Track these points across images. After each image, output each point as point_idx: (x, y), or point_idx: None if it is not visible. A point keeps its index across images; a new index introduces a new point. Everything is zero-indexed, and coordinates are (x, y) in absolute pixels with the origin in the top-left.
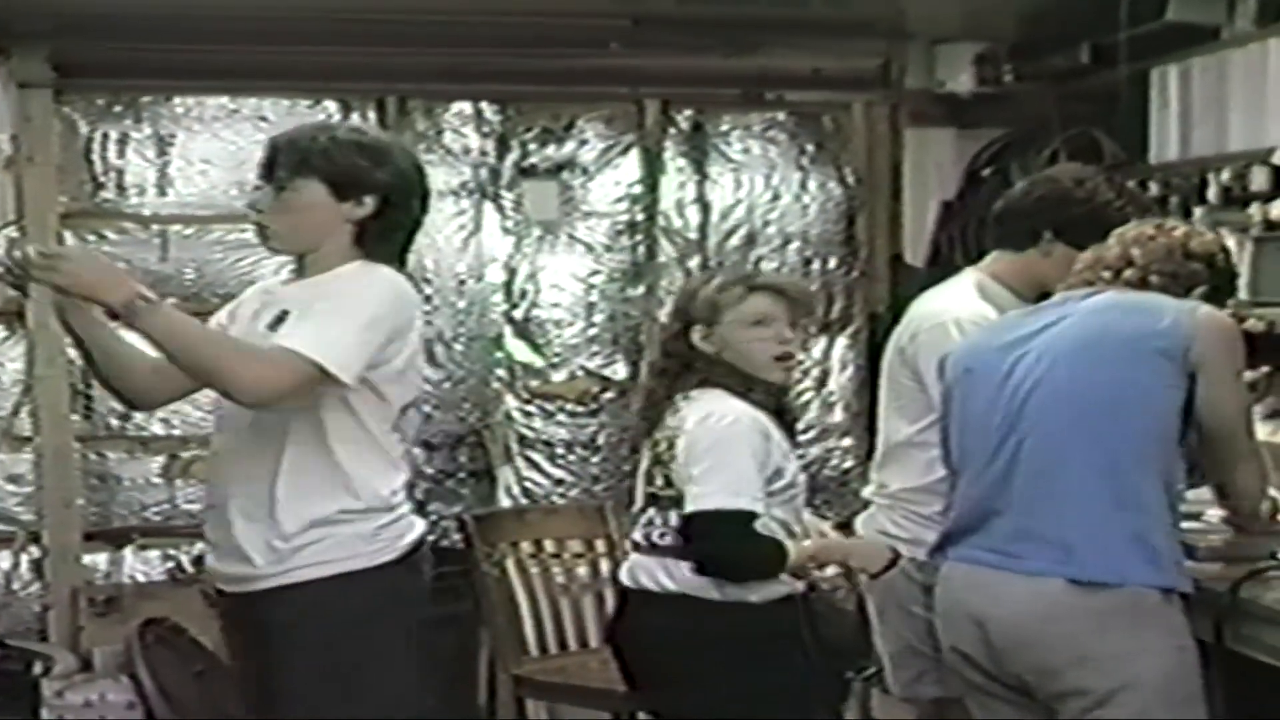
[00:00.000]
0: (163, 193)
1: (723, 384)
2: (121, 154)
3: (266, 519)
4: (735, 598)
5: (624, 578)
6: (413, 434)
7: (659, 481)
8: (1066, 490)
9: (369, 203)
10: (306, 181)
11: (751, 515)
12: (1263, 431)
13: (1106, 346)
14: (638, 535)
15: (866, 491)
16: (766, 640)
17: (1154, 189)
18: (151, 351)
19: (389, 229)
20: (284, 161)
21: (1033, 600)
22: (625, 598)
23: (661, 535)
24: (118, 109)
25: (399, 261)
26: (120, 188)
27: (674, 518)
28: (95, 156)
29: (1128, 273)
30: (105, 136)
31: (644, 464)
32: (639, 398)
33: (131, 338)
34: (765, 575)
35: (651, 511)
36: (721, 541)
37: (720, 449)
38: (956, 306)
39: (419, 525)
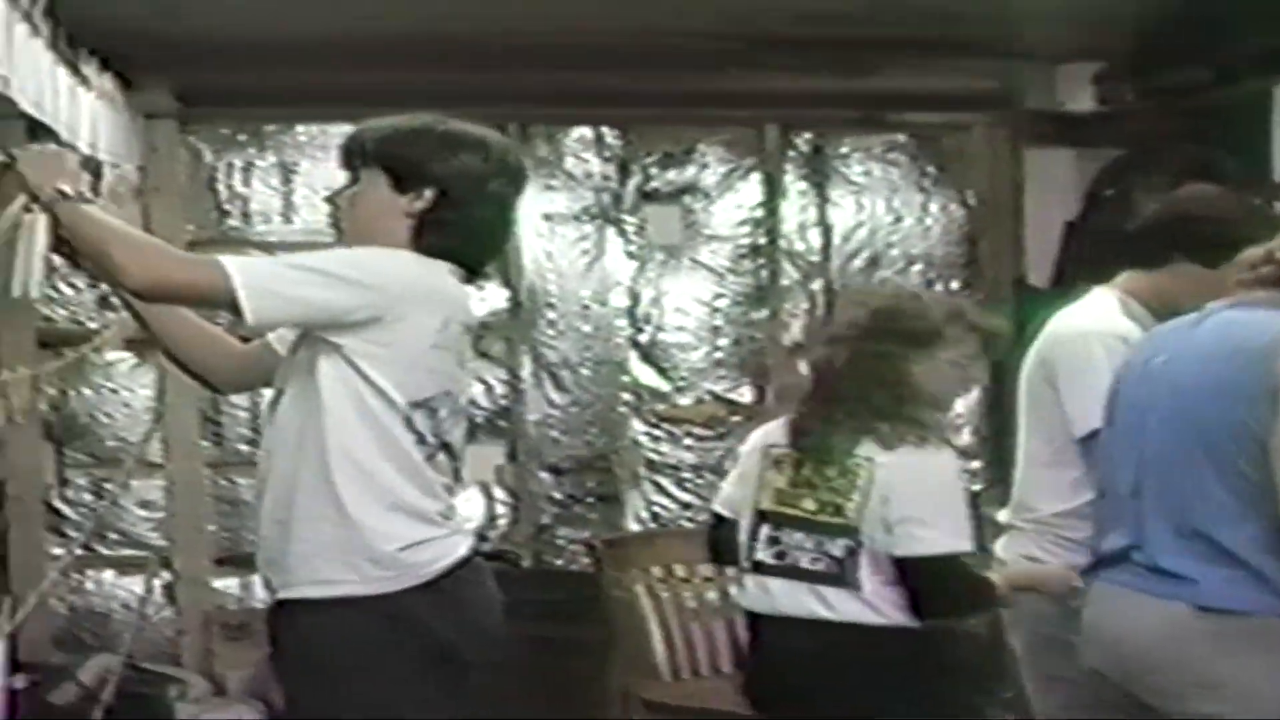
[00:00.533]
0: (287, 220)
1: (919, 418)
2: (246, 182)
3: (282, 529)
4: (899, 623)
5: (756, 604)
6: (439, 438)
7: (811, 505)
8: (1194, 515)
9: (427, 195)
10: (370, 172)
11: (969, 554)
12: None
13: (1230, 368)
14: (767, 557)
15: (1003, 515)
16: (930, 667)
17: (1278, 207)
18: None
19: (446, 225)
20: (354, 152)
21: (1162, 624)
22: (760, 623)
23: (815, 560)
24: (242, 138)
25: (465, 265)
26: (245, 215)
27: (839, 546)
28: (220, 185)
29: (1265, 270)
30: (230, 165)
31: (777, 482)
32: (797, 413)
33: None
34: (981, 612)
35: (799, 535)
36: (952, 585)
37: (945, 489)
38: (1099, 321)
39: (460, 547)
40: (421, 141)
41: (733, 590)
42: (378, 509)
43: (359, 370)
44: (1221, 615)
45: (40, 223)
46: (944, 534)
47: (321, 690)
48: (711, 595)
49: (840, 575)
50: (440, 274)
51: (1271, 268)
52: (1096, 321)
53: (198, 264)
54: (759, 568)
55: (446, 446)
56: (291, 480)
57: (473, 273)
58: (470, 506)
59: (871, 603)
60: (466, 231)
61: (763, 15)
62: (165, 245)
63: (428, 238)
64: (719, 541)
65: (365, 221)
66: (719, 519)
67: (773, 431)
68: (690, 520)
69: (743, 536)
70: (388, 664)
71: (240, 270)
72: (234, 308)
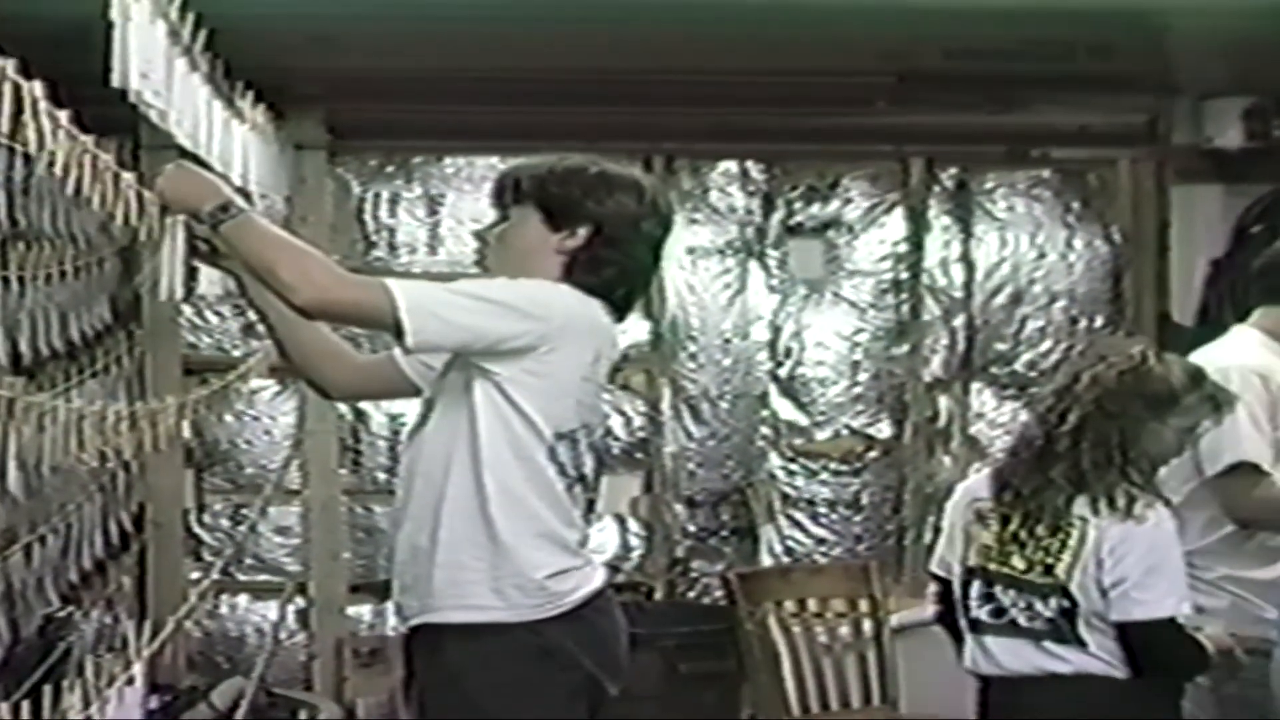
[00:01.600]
0: (433, 251)
1: (1137, 481)
2: (393, 213)
3: (425, 554)
4: (1126, 675)
5: (978, 665)
6: (579, 470)
7: (1020, 563)
8: None
9: (581, 234)
10: (523, 209)
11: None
12: None
13: None
14: (983, 615)
15: None
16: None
17: None
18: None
19: (599, 263)
20: (507, 189)
21: None
22: (988, 685)
23: (1030, 619)
24: (389, 169)
25: (613, 303)
26: (392, 246)
27: (1050, 606)
28: (367, 216)
29: None
30: (377, 196)
31: (983, 538)
32: (1005, 466)
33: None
34: (1196, 674)
35: (1012, 593)
36: (1168, 648)
37: (1164, 551)
38: (1236, 358)
39: (596, 577)
40: (578, 180)
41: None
42: (527, 537)
43: (509, 398)
44: None
45: (179, 228)
46: (1161, 596)
47: (461, 713)
48: (844, 630)
49: (1059, 633)
50: (595, 309)
51: None
52: (1231, 357)
53: (363, 284)
54: (976, 627)
55: (583, 478)
56: (437, 505)
57: (620, 310)
58: (604, 537)
59: (1100, 657)
60: (618, 270)
61: (912, 51)
62: (331, 263)
63: (580, 274)
64: (946, 605)
65: (517, 257)
66: (939, 581)
67: (976, 485)
68: (824, 555)
69: (958, 596)
70: (534, 691)
71: (404, 292)
72: (396, 329)
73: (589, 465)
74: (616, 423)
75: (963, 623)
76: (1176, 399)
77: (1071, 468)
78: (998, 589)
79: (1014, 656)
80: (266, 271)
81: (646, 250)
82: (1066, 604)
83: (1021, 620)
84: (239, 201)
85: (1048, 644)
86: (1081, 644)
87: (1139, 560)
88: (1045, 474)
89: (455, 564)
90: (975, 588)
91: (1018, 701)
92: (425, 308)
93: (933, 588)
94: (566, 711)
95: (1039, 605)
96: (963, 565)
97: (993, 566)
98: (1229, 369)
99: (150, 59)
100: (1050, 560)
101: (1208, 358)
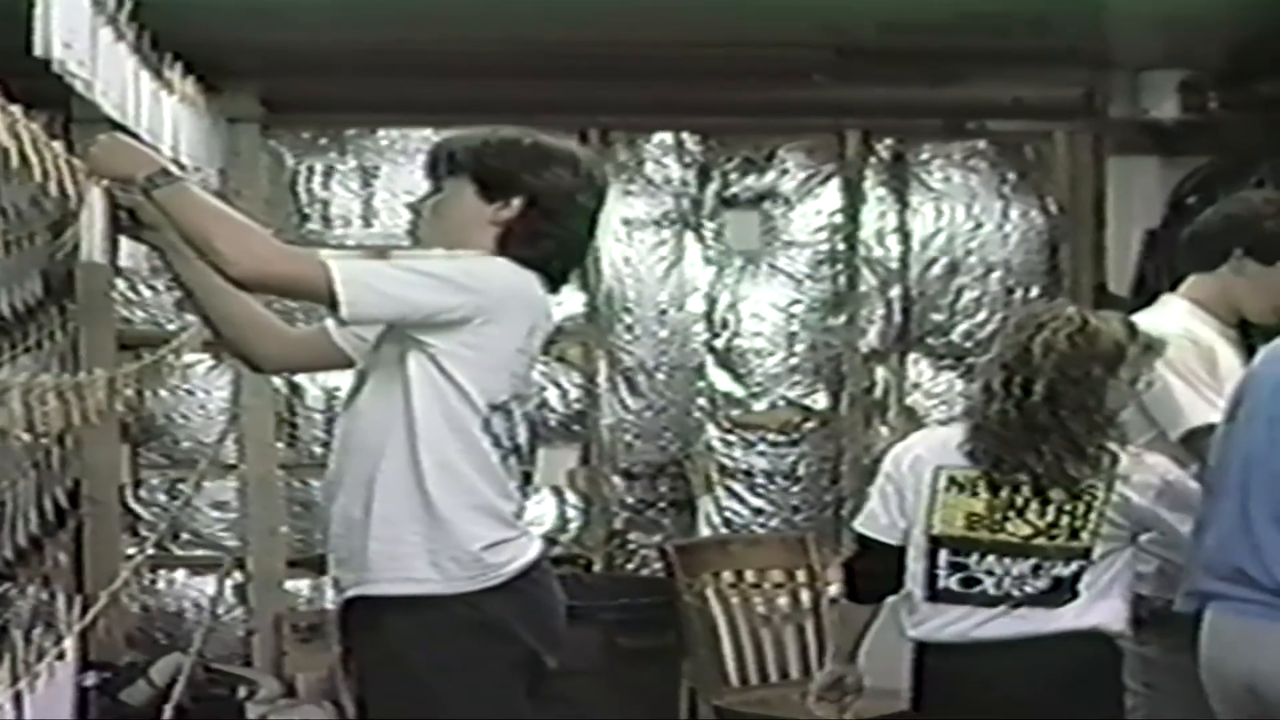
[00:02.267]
0: (368, 224)
1: (1113, 437)
2: (327, 186)
3: (359, 526)
4: (1113, 630)
5: (936, 634)
6: (513, 441)
7: (1025, 529)
8: None
9: (515, 205)
10: (458, 181)
11: None
12: None
13: None
14: (952, 584)
15: None
16: (1117, 679)
17: None
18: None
19: (534, 235)
20: (441, 161)
21: None
22: (940, 652)
23: (1024, 585)
24: (323, 143)
25: (549, 275)
26: (326, 219)
27: (1070, 567)
28: (301, 189)
29: None
30: (311, 170)
31: (968, 506)
32: (979, 435)
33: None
34: None
35: (1006, 561)
36: None
37: (1178, 505)
38: (1164, 326)
39: (532, 549)
40: (513, 152)
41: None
42: (463, 509)
43: (444, 370)
44: None
45: (98, 194)
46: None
47: (401, 688)
48: (782, 601)
49: (1055, 594)
50: (531, 282)
51: None
52: (1161, 324)
53: (299, 257)
54: (940, 596)
55: (517, 450)
56: (371, 477)
57: (555, 282)
58: (542, 510)
59: (1078, 610)
60: (554, 242)
61: (848, 25)
62: (267, 235)
63: (515, 247)
64: (869, 573)
65: (451, 229)
66: (865, 545)
67: (933, 451)
68: (762, 526)
69: (913, 565)
70: (471, 664)
71: (340, 266)
72: (332, 301)
73: (523, 436)
74: (553, 395)
75: (918, 591)
76: (1124, 352)
77: (1054, 435)
78: (975, 558)
79: (982, 624)
80: (203, 242)
81: (582, 222)
82: (1084, 564)
83: (1006, 588)
84: (174, 170)
85: (1025, 609)
86: (1075, 598)
87: (1163, 513)
88: (1036, 441)
89: (391, 536)
90: (943, 557)
91: (975, 670)
92: (361, 280)
93: (850, 549)
94: (504, 684)
95: (1052, 569)
96: (926, 534)
97: (982, 535)
98: (1159, 337)
99: (74, 28)
100: (1078, 523)
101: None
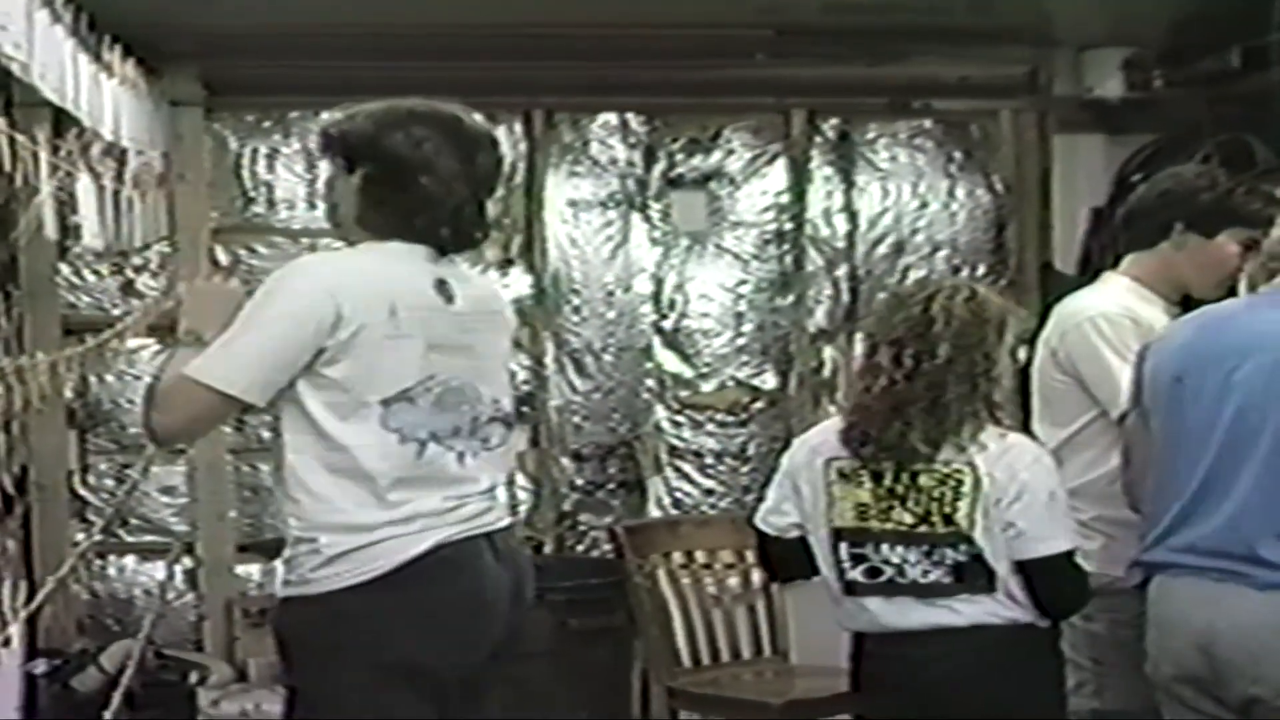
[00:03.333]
0: (312, 206)
1: (999, 412)
2: (271, 169)
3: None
4: (1029, 620)
5: (858, 624)
6: (431, 430)
7: (908, 518)
8: None
9: (360, 173)
10: (332, 160)
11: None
12: None
13: None
14: (858, 576)
15: None
16: (1054, 659)
17: None
18: None
19: (381, 201)
20: (319, 145)
21: (1263, 613)
22: (870, 641)
23: (926, 572)
24: (267, 125)
25: (425, 243)
26: (270, 202)
27: (960, 553)
28: (245, 172)
29: None
30: (255, 152)
31: (856, 496)
32: (859, 421)
33: None
34: (1083, 606)
35: (899, 549)
36: (1074, 584)
37: (1056, 485)
38: (1104, 304)
39: (422, 542)
40: (357, 120)
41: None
42: (329, 510)
43: (326, 377)
44: None
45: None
46: (1061, 530)
47: (296, 683)
48: (733, 582)
49: (965, 583)
50: (383, 260)
51: None
52: (1100, 303)
53: (183, 402)
54: (852, 588)
55: (435, 435)
56: (280, 474)
57: (442, 248)
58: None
59: (1003, 602)
60: (408, 206)
61: (790, 4)
62: (174, 401)
63: (372, 216)
64: (779, 560)
65: (337, 209)
66: (766, 538)
67: (825, 443)
68: (712, 506)
69: (823, 560)
70: (336, 660)
71: (208, 370)
72: (233, 401)
73: (454, 420)
74: None
75: (835, 585)
76: (1007, 318)
77: (931, 409)
78: (870, 547)
79: (898, 614)
80: (149, 396)
81: (441, 183)
82: (974, 550)
83: (912, 576)
84: (205, 337)
85: (939, 599)
86: (990, 589)
87: (1033, 496)
88: (905, 422)
89: (291, 536)
90: (844, 549)
91: (905, 656)
92: (238, 369)
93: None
94: (373, 686)
95: (942, 555)
96: (829, 527)
97: (873, 525)
98: (1097, 316)
99: (9, 11)
100: (948, 509)
101: (1077, 304)
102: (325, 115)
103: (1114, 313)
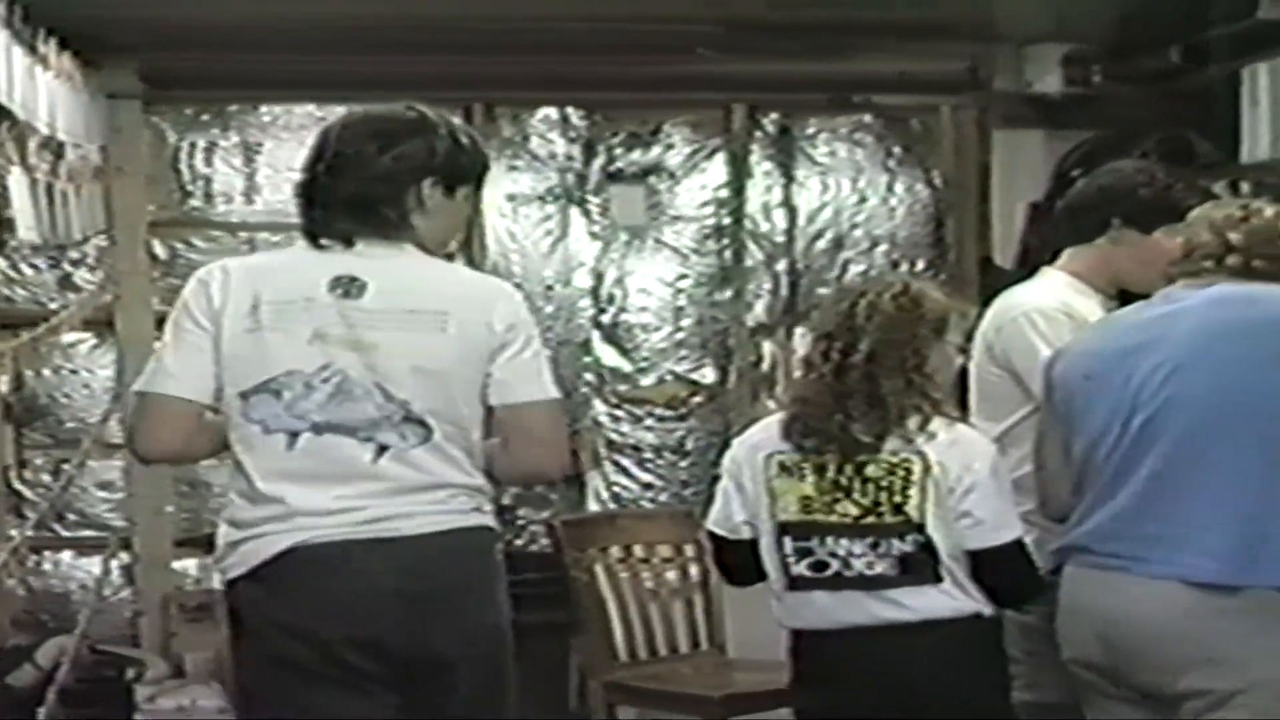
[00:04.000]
0: (250, 200)
1: (940, 404)
2: (209, 163)
3: None
4: (977, 611)
5: (802, 621)
6: (305, 420)
7: (854, 509)
8: (1199, 495)
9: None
10: None
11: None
12: None
13: (1228, 345)
14: (803, 570)
15: None
16: (999, 650)
17: (1245, 188)
18: None
19: (306, 205)
20: None
21: (1162, 602)
22: (812, 638)
23: (872, 565)
24: (205, 118)
25: (325, 232)
26: (208, 196)
27: (907, 543)
28: (183, 165)
29: (1230, 259)
30: (193, 146)
31: (799, 490)
32: (801, 414)
33: None
34: (1037, 596)
35: (844, 542)
36: (1024, 570)
37: (997, 472)
38: (1040, 298)
39: (275, 544)
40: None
41: (773, 606)
42: (234, 495)
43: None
44: (1225, 591)
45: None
46: (1011, 519)
47: None
48: (671, 576)
49: (911, 574)
50: (285, 255)
51: (1235, 257)
52: (1036, 297)
53: (142, 415)
54: (797, 583)
55: (316, 426)
56: None
57: (331, 234)
58: None
59: (949, 592)
60: (305, 200)
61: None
62: (137, 418)
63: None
64: (736, 565)
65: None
66: (721, 542)
67: (766, 438)
68: (651, 501)
69: (768, 555)
70: (237, 653)
71: (151, 382)
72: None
73: (352, 414)
74: None
75: (779, 581)
76: (948, 316)
77: (870, 402)
78: (816, 541)
79: (847, 607)
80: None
81: (341, 171)
82: (922, 540)
83: (858, 568)
84: None
85: (885, 591)
86: (938, 579)
87: (986, 485)
88: (846, 414)
89: None
90: (789, 544)
91: (852, 651)
92: (174, 373)
93: (710, 545)
94: (262, 672)
95: (890, 547)
96: (773, 521)
97: (818, 518)
98: (1033, 310)
99: None
100: (898, 499)
101: (1011, 301)
102: (316, 108)
103: (1050, 308)
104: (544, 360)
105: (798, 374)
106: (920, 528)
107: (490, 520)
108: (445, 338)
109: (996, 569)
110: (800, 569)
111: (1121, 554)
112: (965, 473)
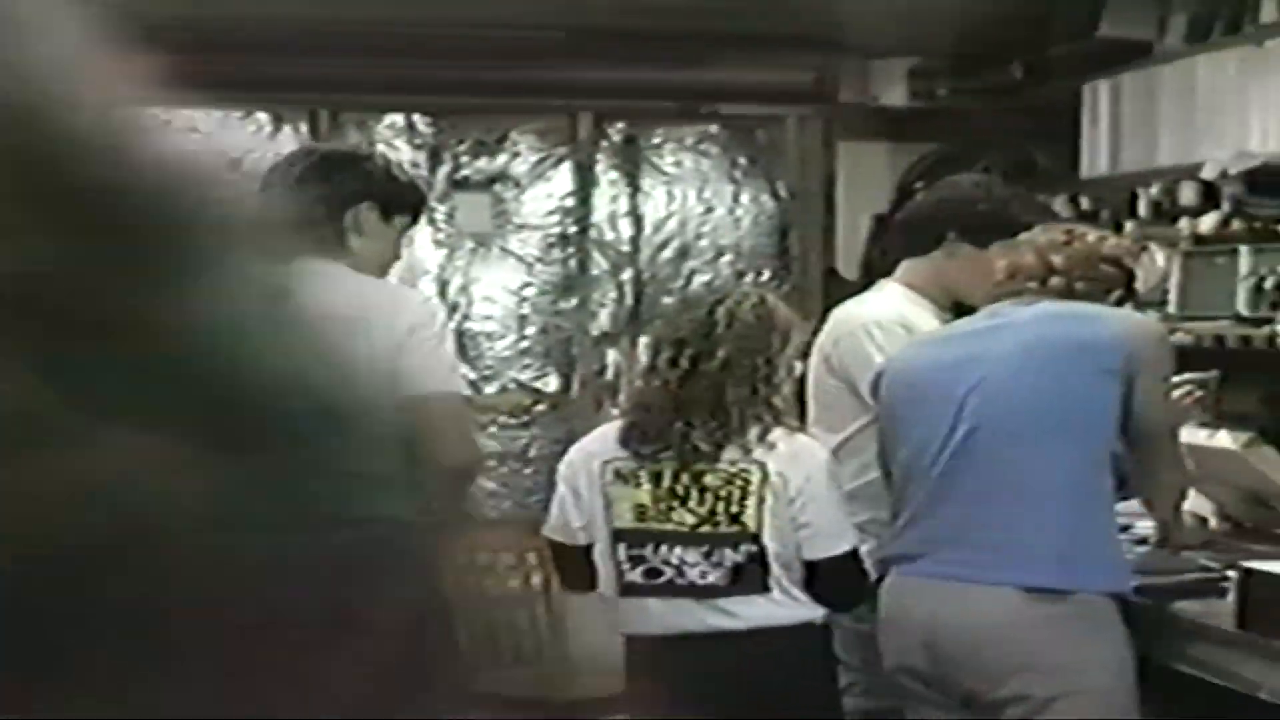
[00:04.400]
0: None
1: (783, 415)
2: None
3: None
4: (806, 620)
5: (636, 626)
6: None
7: (689, 517)
8: (1019, 503)
9: None
10: None
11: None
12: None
13: (1051, 360)
14: (636, 578)
15: None
16: (829, 657)
17: (1085, 203)
18: None
19: None
20: None
21: (985, 609)
22: (645, 644)
23: (705, 574)
24: None
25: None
26: None
27: (740, 553)
28: None
29: (1053, 281)
30: None
31: (635, 497)
32: (638, 422)
33: None
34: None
35: (677, 550)
36: (855, 578)
37: (833, 482)
38: (877, 310)
39: None
40: None
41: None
42: None
43: None
44: (1048, 596)
45: None
46: (845, 529)
47: None
48: (514, 583)
49: (741, 583)
50: None
51: (1057, 279)
52: (874, 309)
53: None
54: (630, 590)
55: None
56: None
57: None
58: None
59: (779, 602)
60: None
61: (583, 5)
62: None
63: None
64: (568, 570)
65: None
66: (558, 548)
67: (602, 446)
68: (494, 509)
69: (602, 561)
70: None
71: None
72: None
73: None
74: None
75: (612, 587)
76: (790, 329)
77: (713, 410)
78: (650, 549)
79: (679, 615)
80: None
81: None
82: (755, 549)
83: (691, 577)
84: None
85: (716, 599)
86: (766, 589)
87: (824, 496)
88: (687, 422)
89: None
90: (623, 550)
91: (683, 658)
92: None
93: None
94: None
95: (723, 556)
96: (608, 528)
97: (652, 526)
98: (870, 322)
99: None
100: (735, 509)
101: (849, 312)
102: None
103: (887, 319)
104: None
105: (639, 382)
106: (755, 537)
107: None
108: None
109: (831, 578)
110: (634, 576)
111: (946, 562)
112: (805, 483)
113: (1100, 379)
